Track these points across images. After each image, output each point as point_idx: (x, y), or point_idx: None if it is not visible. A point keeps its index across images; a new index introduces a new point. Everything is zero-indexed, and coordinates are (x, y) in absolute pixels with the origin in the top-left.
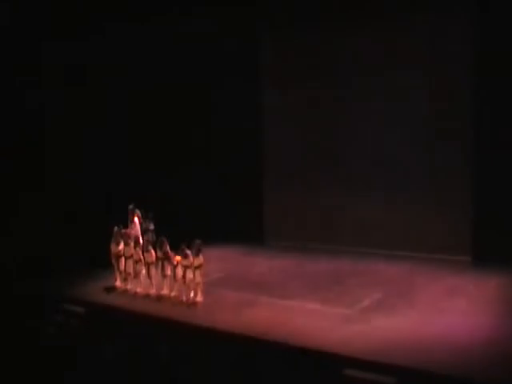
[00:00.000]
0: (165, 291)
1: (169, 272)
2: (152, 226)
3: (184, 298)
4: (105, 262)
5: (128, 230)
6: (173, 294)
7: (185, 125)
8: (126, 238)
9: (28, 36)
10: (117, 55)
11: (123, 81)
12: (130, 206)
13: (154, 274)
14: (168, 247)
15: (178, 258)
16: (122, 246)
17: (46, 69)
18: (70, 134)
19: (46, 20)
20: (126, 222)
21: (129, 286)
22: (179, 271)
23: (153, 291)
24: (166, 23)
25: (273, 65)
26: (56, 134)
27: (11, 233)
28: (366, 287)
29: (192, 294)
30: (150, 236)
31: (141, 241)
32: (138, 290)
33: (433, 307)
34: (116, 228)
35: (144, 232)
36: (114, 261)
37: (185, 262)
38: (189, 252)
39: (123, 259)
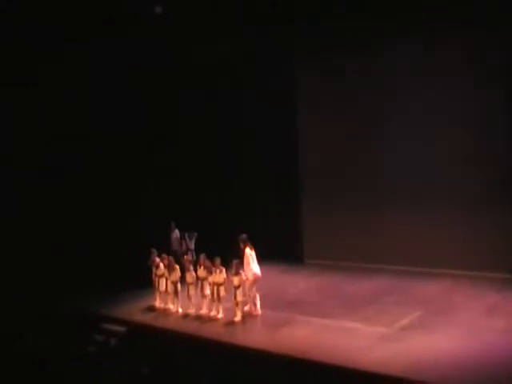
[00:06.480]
0: (204, 311)
1: (207, 292)
2: (192, 246)
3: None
4: (144, 282)
5: (186, 257)
6: (212, 313)
7: (222, 144)
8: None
9: None
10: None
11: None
12: (172, 225)
13: (193, 294)
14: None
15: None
16: (162, 266)
17: None
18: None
19: None
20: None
21: (168, 306)
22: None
23: (192, 311)
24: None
25: (311, 85)
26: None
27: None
28: (405, 305)
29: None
30: (191, 256)
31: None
32: (178, 309)
33: (472, 326)
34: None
35: (184, 252)
36: (155, 281)
37: (216, 279)
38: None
39: (164, 279)
